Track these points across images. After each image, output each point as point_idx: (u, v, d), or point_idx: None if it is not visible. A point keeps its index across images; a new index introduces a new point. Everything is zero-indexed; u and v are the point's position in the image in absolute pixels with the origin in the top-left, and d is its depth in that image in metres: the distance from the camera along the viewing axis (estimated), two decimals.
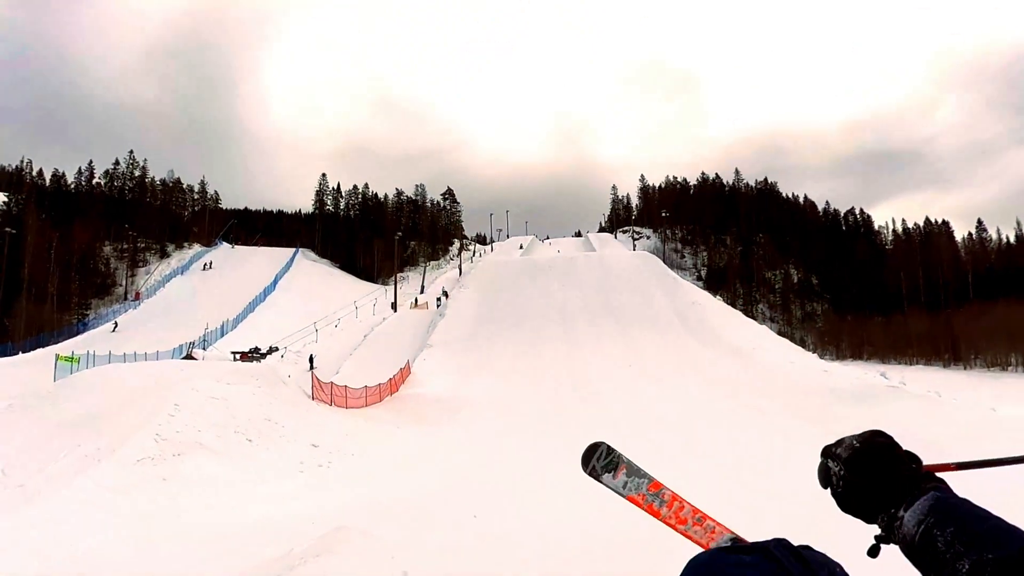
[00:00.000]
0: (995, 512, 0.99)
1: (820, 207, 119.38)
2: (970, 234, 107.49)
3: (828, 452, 1.24)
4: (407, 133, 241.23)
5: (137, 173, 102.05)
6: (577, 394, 29.96)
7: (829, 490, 1.22)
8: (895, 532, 1.10)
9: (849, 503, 1.18)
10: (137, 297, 76.75)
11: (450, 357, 38.75)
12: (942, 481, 1.15)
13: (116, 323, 65.22)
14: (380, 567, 8.03)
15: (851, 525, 1.25)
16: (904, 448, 1.18)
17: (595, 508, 12.51)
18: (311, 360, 41.69)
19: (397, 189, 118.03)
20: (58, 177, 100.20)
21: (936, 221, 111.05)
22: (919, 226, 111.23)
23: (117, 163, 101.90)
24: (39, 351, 49.98)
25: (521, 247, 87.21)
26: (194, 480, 14.19)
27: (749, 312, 79.62)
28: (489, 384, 32.79)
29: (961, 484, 1.18)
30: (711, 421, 22.95)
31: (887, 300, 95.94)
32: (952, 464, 1.23)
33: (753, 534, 1.40)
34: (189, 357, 40.61)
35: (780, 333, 58.72)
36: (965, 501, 1.06)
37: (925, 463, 1.18)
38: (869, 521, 1.16)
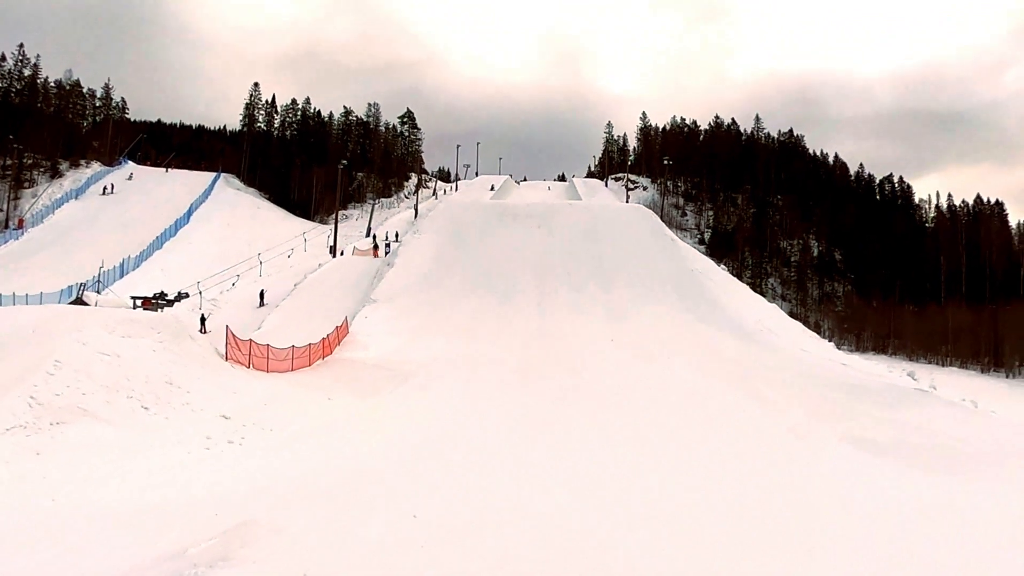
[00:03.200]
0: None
1: (852, 170, 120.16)
2: None
3: None
4: (368, 40, 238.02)
5: (27, 72, 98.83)
6: (549, 369, 29.93)
7: None
8: None
9: None
10: (20, 225, 74.62)
11: (398, 316, 38.49)
12: None
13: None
14: None
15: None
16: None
17: (566, 506, 12.51)
18: (262, 296, 44.76)
19: (345, 107, 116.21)
20: None
21: (988, 200, 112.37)
22: (967, 204, 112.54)
23: (2, 59, 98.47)
24: None
25: (492, 188, 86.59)
26: (75, 455, 13.84)
27: (757, 287, 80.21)
28: (443, 350, 32.65)
29: None
30: (705, 411, 23.03)
31: (922, 287, 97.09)
32: None
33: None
34: (79, 301, 39.82)
35: (792, 314, 59.18)
36: None
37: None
38: None
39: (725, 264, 74.21)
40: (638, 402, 23.99)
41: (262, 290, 45.76)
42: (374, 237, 65.28)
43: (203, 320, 40.82)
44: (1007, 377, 70.71)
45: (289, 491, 12.64)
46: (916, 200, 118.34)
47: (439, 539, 10.31)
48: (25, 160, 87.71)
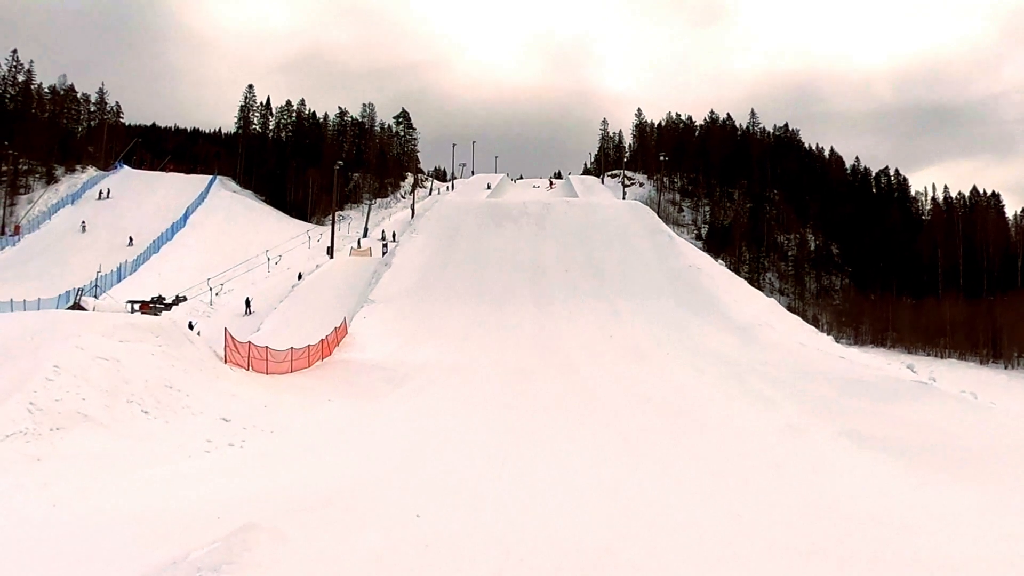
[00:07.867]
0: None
1: (848, 164, 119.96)
2: None
3: None
4: (371, 44, 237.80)
5: (21, 78, 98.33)
6: (547, 368, 30.00)
7: None
8: None
9: None
10: (17, 231, 74.53)
11: (395, 316, 38.57)
12: None
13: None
14: None
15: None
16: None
17: (567, 508, 12.56)
18: (299, 277, 48.01)
19: (340, 108, 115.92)
20: None
21: (984, 192, 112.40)
22: (963, 196, 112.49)
23: None
24: None
25: (488, 187, 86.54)
26: (75, 461, 13.77)
27: (755, 281, 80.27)
28: (441, 351, 32.73)
29: None
30: (705, 409, 23.03)
31: (919, 280, 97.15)
32: None
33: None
34: (77, 306, 40.00)
35: (790, 308, 59.32)
36: None
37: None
38: None
39: (723, 259, 74.31)
40: (635, 403, 23.94)
41: (300, 273, 50.21)
42: (383, 234, 65.79)
43: (248, 303, 42.56)
44: (1006, 368, 70.80)
45: (290, 494, 12.63)
46: (912, 193, 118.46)
47: (444, 540, 10.33)
48: (20, 166, 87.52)
